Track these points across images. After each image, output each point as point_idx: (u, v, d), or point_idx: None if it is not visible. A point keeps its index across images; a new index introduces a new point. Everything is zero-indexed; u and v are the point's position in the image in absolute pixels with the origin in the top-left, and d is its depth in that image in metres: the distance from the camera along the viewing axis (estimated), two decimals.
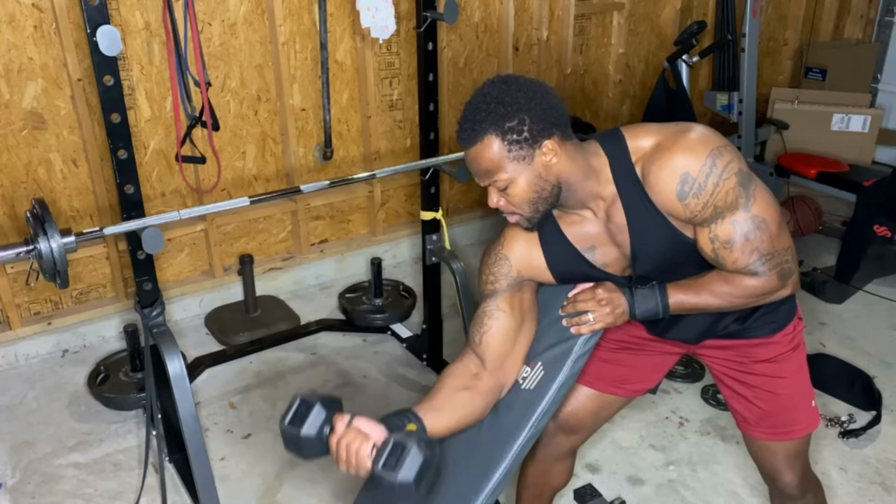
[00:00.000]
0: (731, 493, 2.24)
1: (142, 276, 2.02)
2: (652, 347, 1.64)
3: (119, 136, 1.84)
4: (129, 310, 2.96)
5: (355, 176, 2.49)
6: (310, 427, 1.28)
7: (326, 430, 1.29)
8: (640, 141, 1.35)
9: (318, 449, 1.30)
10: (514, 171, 1.32)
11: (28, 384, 2.75)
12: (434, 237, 2.61)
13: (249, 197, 2.15)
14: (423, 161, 2.48)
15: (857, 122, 4.31)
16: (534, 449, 1.66)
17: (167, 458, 2.32)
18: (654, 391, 1.74)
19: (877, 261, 3.43)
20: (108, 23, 1.71)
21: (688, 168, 1.29)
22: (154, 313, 2.04)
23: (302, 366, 2.88)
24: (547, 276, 1.51)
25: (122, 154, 1.86)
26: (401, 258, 3.69)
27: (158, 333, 2.01)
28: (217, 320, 3.12)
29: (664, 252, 1.40)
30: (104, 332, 3.00)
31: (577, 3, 3.76)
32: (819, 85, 4.68)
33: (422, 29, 2.34)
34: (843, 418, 2.53)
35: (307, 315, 3.20)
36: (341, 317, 3.19)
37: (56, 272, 1.78)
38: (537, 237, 1.48)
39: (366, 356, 2.95)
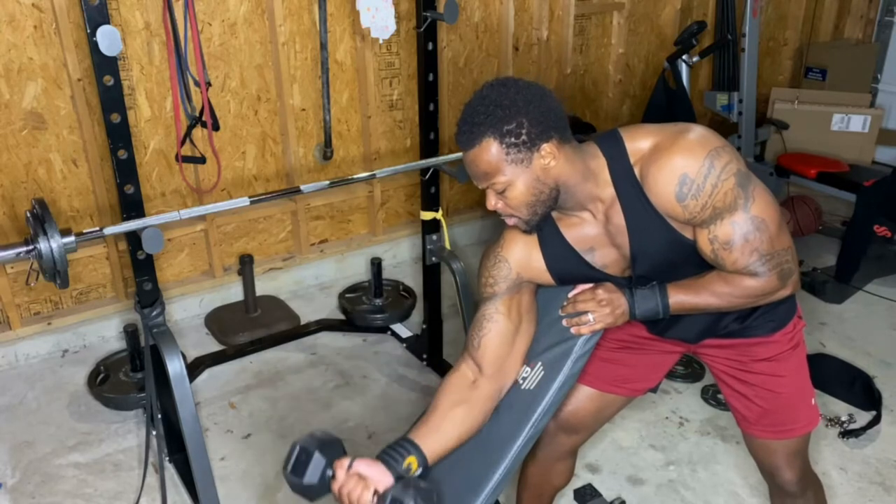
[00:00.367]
0: (731, 493, 2.24)
1: (142, 276, 2.02)
2: (652, 346, 1.64)
3: (119, 136, 1.84)
4: (129, 310, 2.97)
5: (355, 176, 2.49)
6: (311, 475, 1.31)
7: (329, 473, 1.32)
8: (639, 142, 1.35)
9: (323, 492, 1.34)
10: (513, 174, 1.32)
11: (28, 384, 2.75)
12: (434, 237, 2.61)
13: (249, 197, 2.15)
14: (423, 161, 2.48)
15: (857, 122, 4.31)
16: (534, 448, 1.66)
17: (167, 458, 2.32)
18: (654, 390, 1.74)
19: (877, 261, 3.44)
20: (108, 23, 1.71)
21: (686, 169, 1.28)
22: (154, 313, 2.04)
23: (302, 366, 2.88)
24: (546, 278, 1.51)
25: (122, 154, 1.86)
26: (401, 258, 3.69)
27: (158, 333, 2.01)
28: (217, 320, 3.12)
29: (663, 253, 1.40)
30: (104, 332, 3.00)
31: (577, 3, 3.76)
32: (819, 85, 4.67)
33: (422, 29, 2.34)
34: (843, 418, 2.53)
35: (307, 315, 3.20)
36: (341, 317, 3.19)
37: (56, 272, 1.78)
38: (536, 239, 1.48)
39: (366, 356, 2.95)
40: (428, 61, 2.39)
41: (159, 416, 2.22)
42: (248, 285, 3.10)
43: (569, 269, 1.48)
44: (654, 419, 2.55)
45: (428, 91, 2.42)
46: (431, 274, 2.70)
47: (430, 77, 2.40)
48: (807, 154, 4.11)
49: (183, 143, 2.75)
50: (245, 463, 2.36)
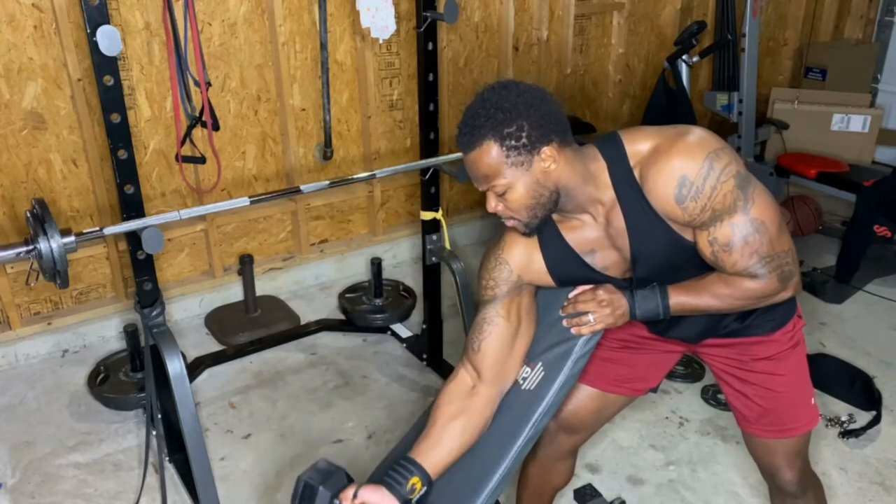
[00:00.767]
0: (731, 493, 2.24)
1: (142, 276, 2.02)
2: (653, 346, 1.64)
3: (119, 136, 1.84)
4: (129, 310, 2.97)
5: (355, 176, 2.49)
6: None
7: None
8: (638, 145, 1.35)
9: None
10: (513, 176, 1.32)
11: (28, 384, 2.75)
12: (434, 237, 2.61)
13: (249, 197, 2.15)
14: (423, 161, 2.48)
15: (857, 122, 4.31)
16: (535, 448, 1.66)
17: (167, 458, 2.32)
18: (655, 390, 1.74)
19: (877, 261, 3.44)
20: (108, 23, 1.71)
21: (685, 171, 1.29)
22: (154, 313, 2.04)
23: (302, 366, 2.88)
24: (547, 280, 1.51)
25: (122, 154, 1.86)
26: (401, 258, 3.69)
27: (158, 333, 2.01)
28: (217, 320, 3.12)
29: (664, 255, 1.40)
30: (104, 332, 3.00)
31: (577, 3, 3.76)
32: (819, 85, 4.67)
33: (422, 29, 2.34)
34: (843, 418, 2.53)
35: (307, 315, 3.20)
36: (341, 317, 3.19)
37: (56, 272, 1.78)
38: (537, 241, 1.48)
39: (366, 356, 2.95)
40: (428, 61, 2.39)
41: (159, 416, 2.22)
42: (248, 285, 3.10)
43: (569, 271, 1.48)
44: (654, 419, 2.55)
45: (428, 91, 2.42)
46: (431, 274, 2.70)
47: (430, 77, 2.40)
48: (807, 154, 4.11)
49: (183, 143, 2.75)
50: (245, 463, 2.36)
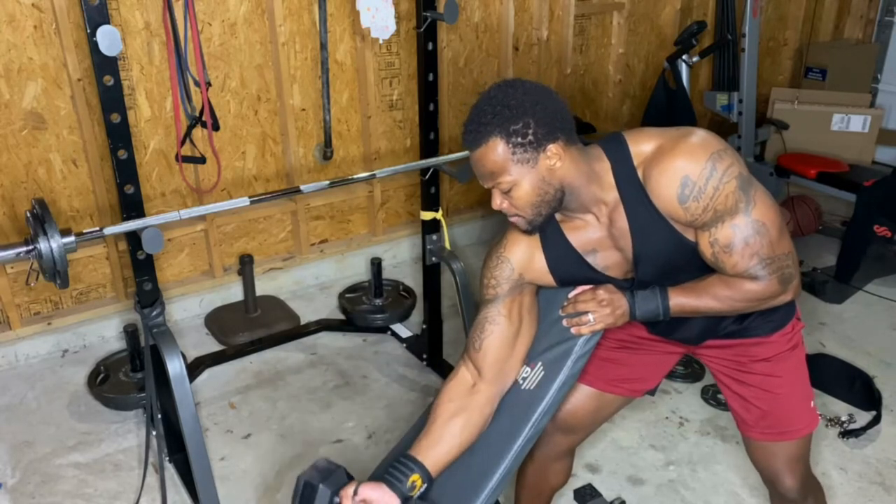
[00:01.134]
0: (731, 493, 2.24)
1: (142, 276, 2.02)
2: (652, 347, 1.64)
3: (119, 136, 1.84)
4: (129, 310, 2.97)
5: (355, 176, 2.49)
6: None
7: (336, 503, 1.38)
8: (642, 145, 1.36)
9: None
10: (518, 173, 1.33)
11: (28, 384, 2.75)
12: (434, 237, 2.61)
13: (249, 197, 2.15)
14: (423, 161, 2.48)
15: (857, 122, 4.31)
16: (532, 448, 1.65)
17: (167, 458, 2.32)
18: (652, 393, 1.74)
19: (877, 261, 3.44)
20: (108, 23, 1.71)
21: (688, 171, 1.29)
22: (154, 313, 2.04)
23: (302, 366, 2.88)
24: (548, 279, 1.51)
25: (122, 154, 1.86)
26: (401, 258, 3.69)
27: (158, 333, 2.01)
28: (217, 320, 3.12)
29: (666, 255, 1.40)
30: (104, 332, 3.00)
31: (577, 3, 3.76)
32: (819, 85, 4.67)
33: (422, 29, 2.34)
34: (843, 418, 2.53)
35: (307, 315, 3.20)
36: (341, 317, 3.19)
37: (56, 272, 1.78)
38: (539, 240, 1.48)
39: (366, 356, 2.95)
40: (428, 61, 2.39)
41: (159, 416, 2.22)
42: (248, 285, 3.10)
43: (570, 270, 1.48)
44: (654, 419, 2.55)
45: (428, 91, 2.42)
46: (431, 274, 2.70)
47: (430, 77, 2.40)
48: (807, 154, 4.12)
49: (183, 143, 2.75)
50: (245, 463, 2.36)
